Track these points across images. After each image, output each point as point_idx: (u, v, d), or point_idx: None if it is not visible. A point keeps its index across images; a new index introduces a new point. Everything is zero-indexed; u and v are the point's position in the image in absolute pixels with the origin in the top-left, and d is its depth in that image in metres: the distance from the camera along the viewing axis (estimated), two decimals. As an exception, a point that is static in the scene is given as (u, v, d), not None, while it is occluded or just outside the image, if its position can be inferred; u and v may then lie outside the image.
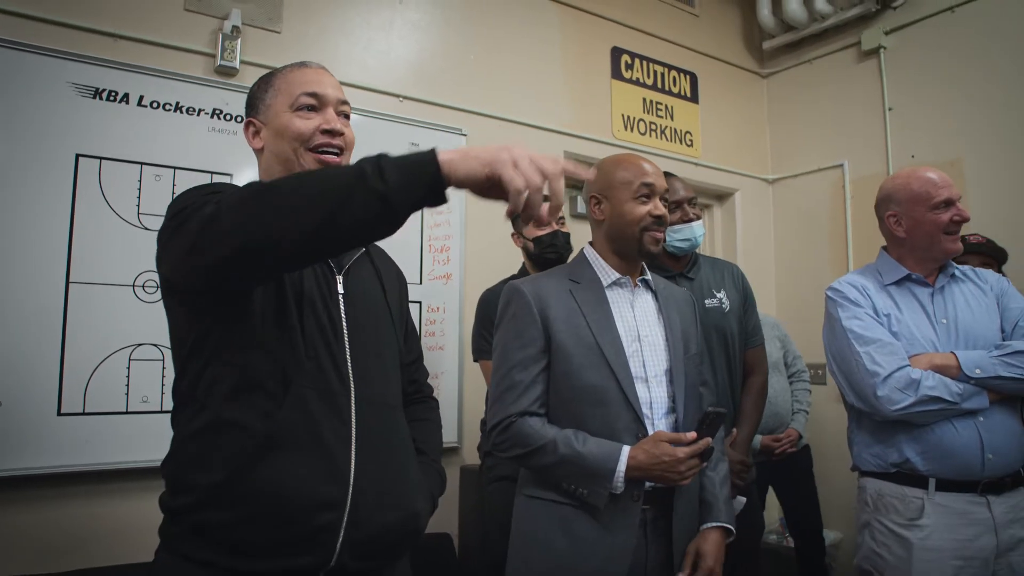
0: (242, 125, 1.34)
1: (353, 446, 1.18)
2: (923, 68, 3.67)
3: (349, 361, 1.22)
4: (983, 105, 3.41)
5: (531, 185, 0.94)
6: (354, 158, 1.05)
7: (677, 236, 2.21)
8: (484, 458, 2.60)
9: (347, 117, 1.31)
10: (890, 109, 3.80)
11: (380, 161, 0.94)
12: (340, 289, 1.26)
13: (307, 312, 1.19)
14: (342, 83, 1.36)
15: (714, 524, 1.63)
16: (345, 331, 1.23)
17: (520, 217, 0.96)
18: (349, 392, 1.20)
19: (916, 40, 3.71)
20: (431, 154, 0.95)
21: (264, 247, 0.96)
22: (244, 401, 1.12)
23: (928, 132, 3.62)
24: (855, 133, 3.96)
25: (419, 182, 0.94)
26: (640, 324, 1.66)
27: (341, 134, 1.27)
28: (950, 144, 3.51)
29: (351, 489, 1.15)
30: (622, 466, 1.49)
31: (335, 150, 1.27)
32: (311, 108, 1.26)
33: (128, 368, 2.31)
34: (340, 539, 1.13)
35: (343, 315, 1.24)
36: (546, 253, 2.54)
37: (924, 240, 1.89)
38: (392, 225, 0.96)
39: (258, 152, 1.32)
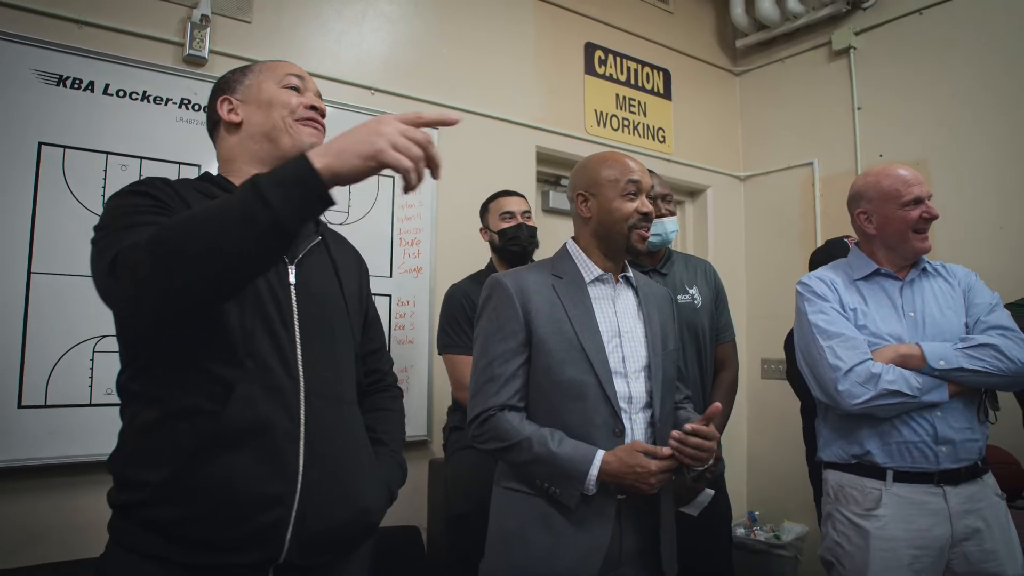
0: (213, 102, 1.34)
1: (302, 442, 1.16)
2: (892, 69, 3.73)
3: (299, 354, 1.20)
4: (949, 106, 3.47)
5: (414, 159, 0.98)
6: None
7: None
8: (449, 434, 2.58)
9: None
10: (859, 108, 3.85)
11: (258, 187, 0.94)
12: (292, 280, 1.25)
13: (253, 306, 1.16)
14: (313, 75, 1.45)
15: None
16: (296, 323, 1.22)
17: (405, 189, 1.00)
18: (298, 387, 1.19)
19: (885, 41, 3.77)
20: (305, 165, 0.95)
21: (176, 300, 0.98)
22: (191, 397, 1.11)
23: (896, 131, 3.67)
24: (825, 132, 4.01)
25: (302, 197, 0.95)
26: (621, 320, 1.68)
27: (324, 114, 1.34)
28: (917, 143, 3.56)
29: (299, 486, 1.14)
30: (594, 470, 1.51)
31: (319, 125, 1.33)
32: (295, 88, 1.33)
33: (92, 360, 2.27)
34: (288, 535, 1.13)
35: (294, 306, 1.23)
36: (509, 246, 2.55)
37: (894, 237, 1.91)
38: (287, 244, 0.97)
39: (232, 127, 1.32)
